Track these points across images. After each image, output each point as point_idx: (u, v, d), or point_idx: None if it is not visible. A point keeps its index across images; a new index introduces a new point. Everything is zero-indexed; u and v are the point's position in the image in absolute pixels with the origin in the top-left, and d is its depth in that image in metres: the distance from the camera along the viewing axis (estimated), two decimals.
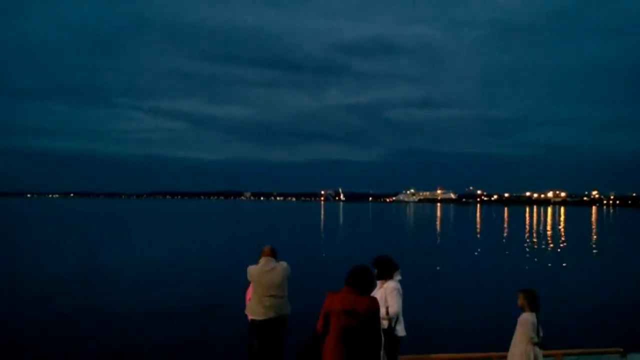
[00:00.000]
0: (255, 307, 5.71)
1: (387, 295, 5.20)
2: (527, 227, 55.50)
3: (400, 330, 5.27)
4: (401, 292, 5.28)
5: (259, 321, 5.64)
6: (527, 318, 5.16)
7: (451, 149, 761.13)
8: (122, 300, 13.72)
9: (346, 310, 4.08)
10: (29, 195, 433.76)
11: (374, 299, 4.24)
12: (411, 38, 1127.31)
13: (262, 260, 5.85)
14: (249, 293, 6.00)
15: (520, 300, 5.27)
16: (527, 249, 29.61)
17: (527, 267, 21.46)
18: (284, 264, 5.88)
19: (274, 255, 5.93)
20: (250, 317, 5.80)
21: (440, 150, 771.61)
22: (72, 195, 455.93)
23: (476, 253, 27.37)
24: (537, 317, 5.20)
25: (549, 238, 39.07)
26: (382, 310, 4.91)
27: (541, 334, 5.19)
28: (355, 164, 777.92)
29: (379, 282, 5.36)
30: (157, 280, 17.21)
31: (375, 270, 5.35)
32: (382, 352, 4.76)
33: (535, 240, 37.03)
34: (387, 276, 5.33)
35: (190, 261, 22.54)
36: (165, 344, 9.75)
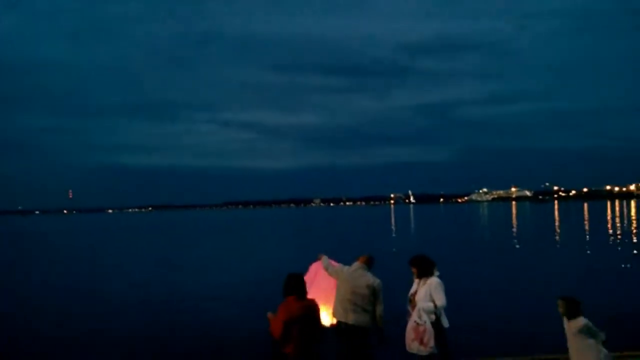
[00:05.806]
0: (336, 306, 5.96)
1: (432, 290, 5.77)
2: (610, 222, 52.83)
3: (445, 322, 5.81)
4: (443, 286, 5.86)
5: (342, 324, 5.82)
6: (586, 321, 5.08)
7: (524, 145, 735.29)
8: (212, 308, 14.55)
9: (303, 316, 4.86)
10: (110, 211, 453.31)
11: (313, 300, 5.13)
12: (478, 34, 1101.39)
13: (354, 265, 6.08)
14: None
15: (561, 309, 5.19)
16: (609, 246, 28.40)
17: (609, 265, 20.65)
18: (374, 280, 5.92)
19: (368, 264, 6.08)
20: (334, 319, 5.99)
21: (512, 146, 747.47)
22: (150, 208, 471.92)
23: (557, 252, 26.56)
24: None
25: (633, 234, 37.10)
26: (430, 305, 5.65)
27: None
28: (424, 164, 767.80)
29: (418, 280, 5.98)
30: (243, 286, 17.97)
31: (414, 269, 6.00)
32: (433, 344, 5.51)
33: (619, 236, 35.34)
34: (427, 273, 5.90)
35: (266, 269, 23.21)
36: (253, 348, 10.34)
